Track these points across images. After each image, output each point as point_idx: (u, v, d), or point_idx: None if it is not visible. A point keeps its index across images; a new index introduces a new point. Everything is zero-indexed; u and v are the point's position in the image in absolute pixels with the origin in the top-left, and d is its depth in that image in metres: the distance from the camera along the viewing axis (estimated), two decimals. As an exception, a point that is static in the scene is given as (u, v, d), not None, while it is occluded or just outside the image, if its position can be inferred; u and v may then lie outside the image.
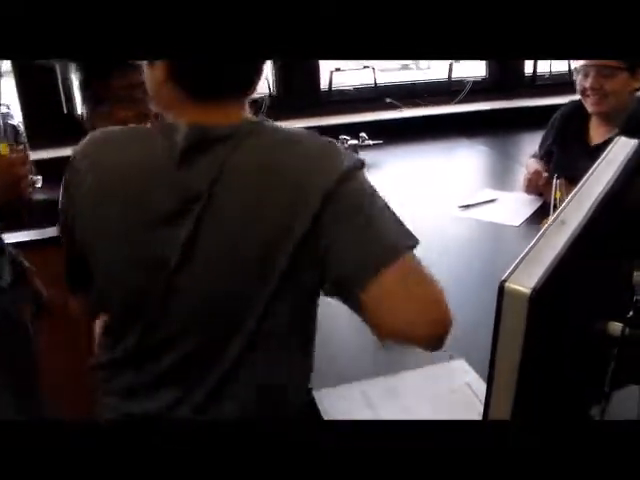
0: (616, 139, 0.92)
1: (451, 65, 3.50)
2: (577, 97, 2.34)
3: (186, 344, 1.06)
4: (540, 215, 2.19)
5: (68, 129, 2.89)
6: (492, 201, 2.37)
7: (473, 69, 3.61)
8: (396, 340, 1.07)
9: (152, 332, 1.06)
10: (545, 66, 3.66)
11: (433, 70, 3.98)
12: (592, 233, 0.68)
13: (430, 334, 0.95)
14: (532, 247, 0.63)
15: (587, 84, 2.12)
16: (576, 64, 2.22)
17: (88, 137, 1.10)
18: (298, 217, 0.97)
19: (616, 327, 0.72)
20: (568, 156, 2.28)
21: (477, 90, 3.54)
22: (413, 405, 1.24)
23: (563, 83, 3.65)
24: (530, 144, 3.14)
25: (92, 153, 1.07)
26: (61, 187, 1.10)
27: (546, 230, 0.66)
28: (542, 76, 3.67)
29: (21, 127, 2.49)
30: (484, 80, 3.62)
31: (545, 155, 2.45)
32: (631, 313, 0.73)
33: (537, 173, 2.33)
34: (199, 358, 1.06)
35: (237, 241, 0.99)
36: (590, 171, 0.80)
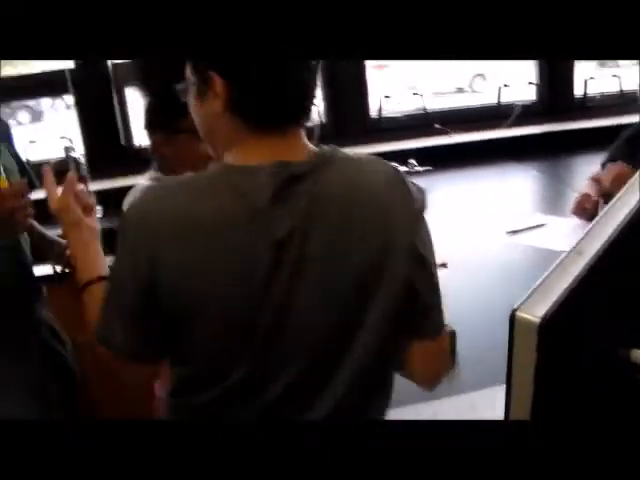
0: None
1: (500, 89, 3.51)
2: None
3: (292, 375, 1.04)
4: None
5: (125, 160, 3.04)
6: (541, 226, 2.37)
7: (523, 93, 3.60)
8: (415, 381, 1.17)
9: (257, 368, 1.03)
10: (595, 87, 3.64)
11: (485, 94, 3.98)
12: (609, 262, 0.70)
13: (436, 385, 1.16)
14: (546, 277, 0.65)
15: None
16: None
17: (151, 189, 1.06)
18: (388, 250, 1.01)
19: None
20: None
21: (527, 114, 3.53)
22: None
23: (613, 105, 3.63)
24: (582, 167, 3.12)
25: (161, 205, 1.00)
26: (123, 246, 1.01)
27: (562, 260, 0.68)
28: (593, 98, 3.64)
29: (82, 160, 2.61)
30: (534, 104, 3.61)
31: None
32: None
33: (586, 196, 2.32)
34: (305, 388, 1.06)
35: (334, 273, 1.00)
36: (612, 201, 0.82)
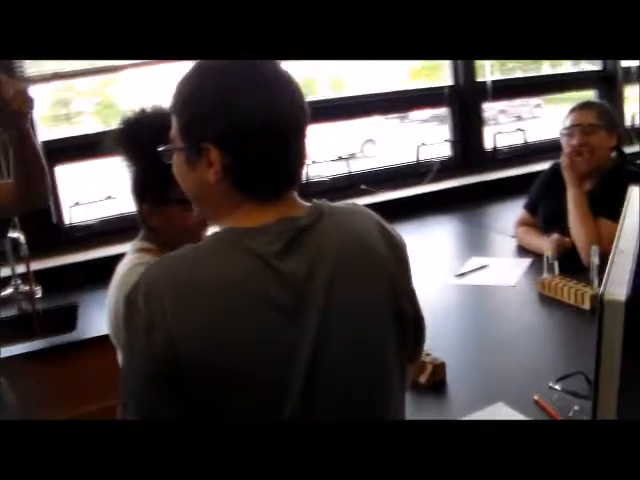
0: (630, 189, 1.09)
1: (418, 148, 3.75)
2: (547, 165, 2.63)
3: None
4: (532, 272, 2.39)
5: (58, 238, 3.02)
6: (484, 267, 2.55)
7: (438, 150, 3.86)
8: None
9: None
10: (503, 141, 3.95)
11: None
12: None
13: None
14: (609, 274, 0.78)
15: (575, 142, 2.42)
16: (561, 129, 2.51)
17: (157, 264, 0.98)
18: (392, 291, 1.07)
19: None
20: (553, 212, 2.54)
21: (444, 169, 3.79)
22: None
23: (520, 155, 3.96)
24: (501, 213, 3.38)
25: (171, 280, 0.94)
26: (136, 328, 0.93)
27: (613, 259, 0.81)
28: (501, 151, 3.95)
29: (22, 239, 2.58)
30: (450, 159, 3.88)
31: (532, 209, 2.75)
32: None
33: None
34: None
35: (352, 315, 1.01)
36: (622, 215, 0.97)
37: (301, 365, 0.95)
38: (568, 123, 2.47)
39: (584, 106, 2.49)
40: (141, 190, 1.53)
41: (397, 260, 1.09)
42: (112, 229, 3.12)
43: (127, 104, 3.64)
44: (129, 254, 1.55)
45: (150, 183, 1.49)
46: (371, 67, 3.79)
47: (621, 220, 0.94)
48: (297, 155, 1.01)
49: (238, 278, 0.93)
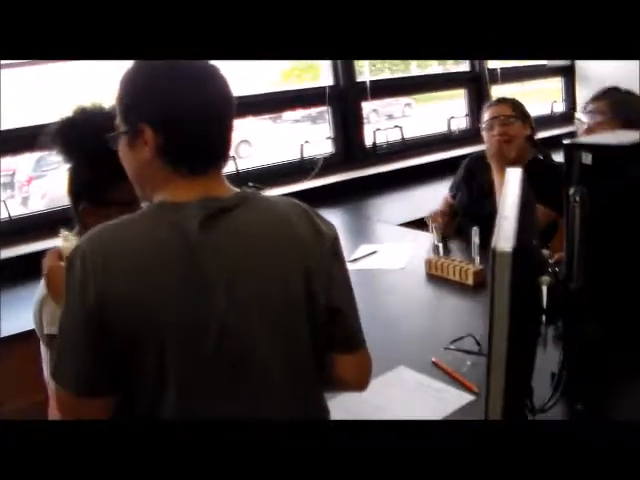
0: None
1: (302, 145, 3.89)
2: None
3: (234, 383, 1.13)
4: (419, 255, 2.60)
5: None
6: (374, 252, 2.74)
7: (321, 147, 4.03)
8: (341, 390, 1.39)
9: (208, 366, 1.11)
10: (382, 137, 4.19)
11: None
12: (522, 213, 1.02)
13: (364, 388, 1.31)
14: (497, 235, 0.95)
15: (495, 132, 2.66)
16: (482, 123, 2.75)
17: (94, 231, 1.12)
18: (308, 275, 1.16)
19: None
20: (471, 197, 2.83)
21: (327, 165, 3.95)
22: (385, 405, 1.51)
23: (398, 150, 4.21)
24: (385, 204, 3.60)
25: (104, 241, 1.09)
26: (71, 284, 1.08)
27: (499, 223, 0.98)
28: (380, 146, 4.18)
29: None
30: (332, 155, 4.05)
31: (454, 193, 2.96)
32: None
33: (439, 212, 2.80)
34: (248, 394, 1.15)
35: (262, 294, 1.13)
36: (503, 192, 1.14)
37: (211, 331, 1.08)
38: (487, 117, 2.72)
39: (499, 101, 2.76)
40: (78, 190, 1.53)
41: (321, 249, 1.18)
42: (4, 231, 3.06)
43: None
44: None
45: (87, 183, 1.50)
46: (242, 68, 3.87)
47: (503, 196, 1.11)
48: (221, 138, 1.16)
49: (159, 245, 1.08)
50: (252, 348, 1.13)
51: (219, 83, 1.15)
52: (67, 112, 1.51)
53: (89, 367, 1.08)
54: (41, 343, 1.55)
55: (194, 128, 1.12)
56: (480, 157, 2.84)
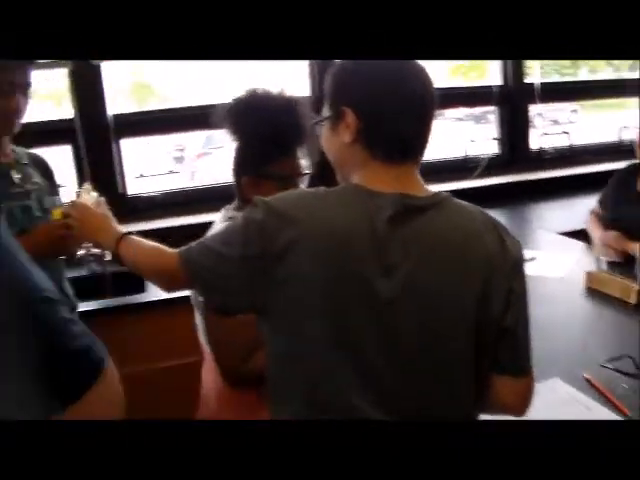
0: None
1: (467, 145, 3.87)
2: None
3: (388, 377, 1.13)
4: (578, 266, 2.55)
5: (121, 208, 3.16)
6: (533, 259, 2.71)
7: (486, 147, 3.99)
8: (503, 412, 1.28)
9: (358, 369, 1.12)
10: (549, 142, 4.08)
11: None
12: None
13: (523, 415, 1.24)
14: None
15: None
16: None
17: (288, 193, 1.18)
18: (493, 290, 1.13)
19: None
20: (622, 210, 2.73)
21: (490, 166, 3.90)
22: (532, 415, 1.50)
23: (566, 156, 4.07)
24: (547, 211, 3.51)
25: (300, 208, 1.13)
26: (253, 232, 1.13)
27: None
28: (547, 151, 4.08)
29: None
30: (497, 157, 4.00)
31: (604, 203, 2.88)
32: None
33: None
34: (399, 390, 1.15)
35: (434, 300, 1.11)
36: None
37: (373, 321, 1.10)
38: None
39: None
40: (242, 163, 1.63)
41: (505, 267, 1.14)
42: (173, 202, 3.34)
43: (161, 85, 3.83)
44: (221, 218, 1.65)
45: (252, 157, 1.60)
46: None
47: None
48: (417, 131, 1.17)
49: (345, 227, 1.10)
50: (411, 354, 1.12)
51: (423, 80, 1.17)
52: (239, 93, 1.60)
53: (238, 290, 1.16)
54: (195, 310, 1.64)
55: (393, 116, 1.14)
56: (631, 170, 2.74)
